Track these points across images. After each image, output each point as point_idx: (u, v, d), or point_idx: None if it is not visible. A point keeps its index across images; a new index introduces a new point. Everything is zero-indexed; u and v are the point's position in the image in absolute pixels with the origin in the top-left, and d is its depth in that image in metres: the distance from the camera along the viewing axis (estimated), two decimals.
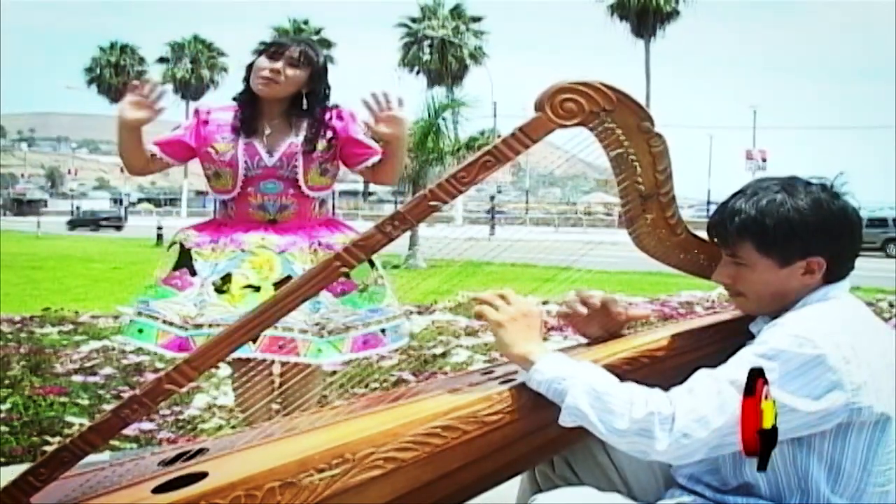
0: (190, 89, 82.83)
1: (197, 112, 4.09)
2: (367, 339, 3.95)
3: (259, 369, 3.63)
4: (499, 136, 2.35)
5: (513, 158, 2.29)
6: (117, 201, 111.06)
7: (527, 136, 2.27)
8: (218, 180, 4.03)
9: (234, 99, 4.09)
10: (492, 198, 51.60)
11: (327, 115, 4.05)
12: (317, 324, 3.83)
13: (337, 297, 3.88)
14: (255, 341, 3.63)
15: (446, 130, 22.93)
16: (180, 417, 5.56)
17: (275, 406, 3.80)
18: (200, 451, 2.43)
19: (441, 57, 64.07)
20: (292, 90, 3.99)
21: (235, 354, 3.28)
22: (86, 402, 5.90)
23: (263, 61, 3.95)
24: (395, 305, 4.09)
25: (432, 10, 65.73)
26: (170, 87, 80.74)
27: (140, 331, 3.92)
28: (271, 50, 3.97)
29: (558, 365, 2.29)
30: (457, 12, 65.92)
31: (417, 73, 65.45)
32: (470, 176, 2.28)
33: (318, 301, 3.80)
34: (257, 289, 3.86)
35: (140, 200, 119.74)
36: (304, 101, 4.02)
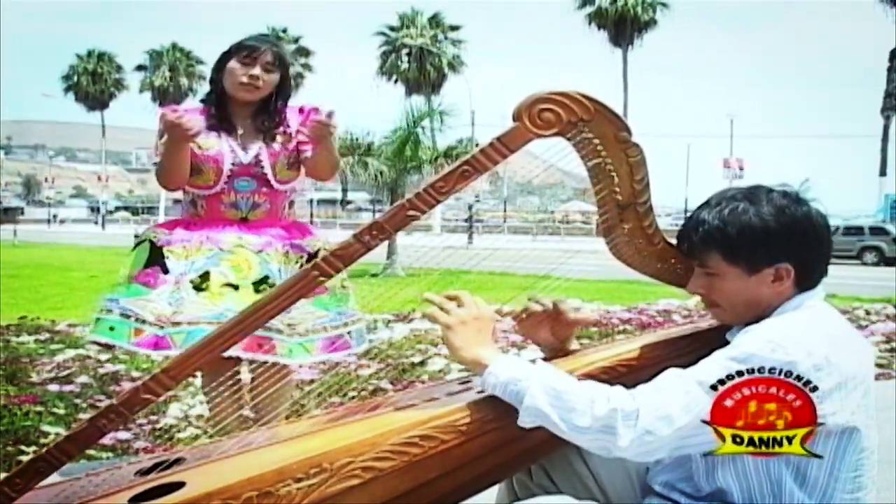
0: (168, 97, 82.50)
1: (174, 110, 4.04)
2: (335, 341, 4.00)
3: (227, 375, 3.64)
4: (477, 145, 2.35)
5: (491, 168, 2.29)
6: (94, 209, 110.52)
7: (505, 146, 2.27)
8: (199, 176, 4.04)
9: (203, 101, 4.15)
10: (470, 206, 51.45)
11: (292, 112, 4.17)
12: (288, 324, 3.84)
13: (308, 299, 3.86)
14: None
15: (424, 139, 22.94)
16: (157, 427, 5.53)
17: (248, 413, 3.80)
18: (177, 461, 2.42)
19: (419, 66, 64.13)
20: (268, 92, 4.08)
21: None
22: (62, 412, 5.87)
23: (238, 66, 4.01)
24: (357, 308, 4.15)
25: (410, 18, 65.80)
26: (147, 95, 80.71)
27: (111, 328, 3.90)
28: (244, 54, 4.02)
29: (512, 366, 2.29)
30: (435, 21, 66.01)
31: (395, 81, 65.48)
32: (448, 185, 2.28)
33: None
34: (236, 287, 3.86)
35: (117, 209, 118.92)
36: (274, 101, 4.11)
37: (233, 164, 4.02)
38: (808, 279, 2.34)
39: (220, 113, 4.08)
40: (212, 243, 3.98)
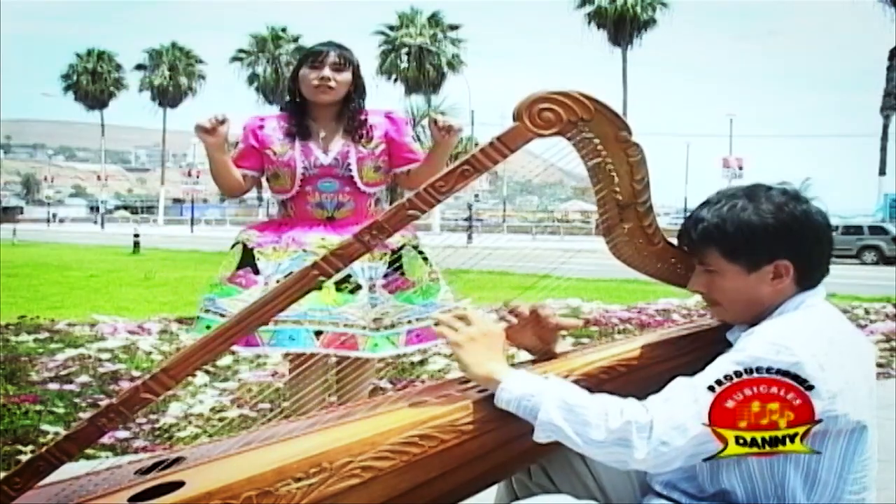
0: (168, 97, 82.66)
1: (251, 119, 4.37)
2: (419, 333, 4.14)
3: (315, 366, 3.90)
4: (476, 144, 2.35)
5: (491, 167, 2.29)
6: (94, 208, 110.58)
7: (504, 145, 2.27)
8: (276, 181, 4.30)
9: (282, 109, 4.38)
10: (469, 206, 51.45)
11: (380, 117, 4.33)
12: (375, 319, 4.03)
13: (392, 294, 4.10)
14: (318, 336, 3.91)
15: (424, 139, 22.93)
16: (157, 426, 5.53)
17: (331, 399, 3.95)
18: (178, 460, 2.42)
19: (419, 65, 64.15)
20: (344, 92, 4.25)
21: (295, 350, 3.87)
22: (61, 411, 5.87)
23: (308, 72, 4.21)
24: (450, 299, 4.24)
25: (410, 18, 65.82)
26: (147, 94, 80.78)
27: (207, 327, 4.05)
28: (311, 60, 4.22)
29: (525, 382, 2.28)
30: (434, 20, 66.03)
31: (395, 81, 65.51)
32: (448, 185, 2.28)
33: (375, 297, 4.05)
34: (319, 287, 3.94)
35: (117, 208, 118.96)
36: (354, 99, 4.28)
37: (314, 166, 4.21)
38: (808, 277, 2.34)
39: (299, 119, 4.26)
40: (297, 245, 4.15)
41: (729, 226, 2.30)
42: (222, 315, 4.05)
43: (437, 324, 2.49)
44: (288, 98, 4.38)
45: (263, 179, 4.41)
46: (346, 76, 4.23)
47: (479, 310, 2.51)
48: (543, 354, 2.70)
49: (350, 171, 4.22)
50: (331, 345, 3.94)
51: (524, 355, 2.78)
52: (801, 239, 2.30)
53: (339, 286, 3.97)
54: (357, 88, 4.30)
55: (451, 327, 2.42)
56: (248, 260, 4.19)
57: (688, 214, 2.46)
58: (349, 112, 4.27)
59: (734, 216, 2.31)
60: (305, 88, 4.23)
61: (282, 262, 4.11)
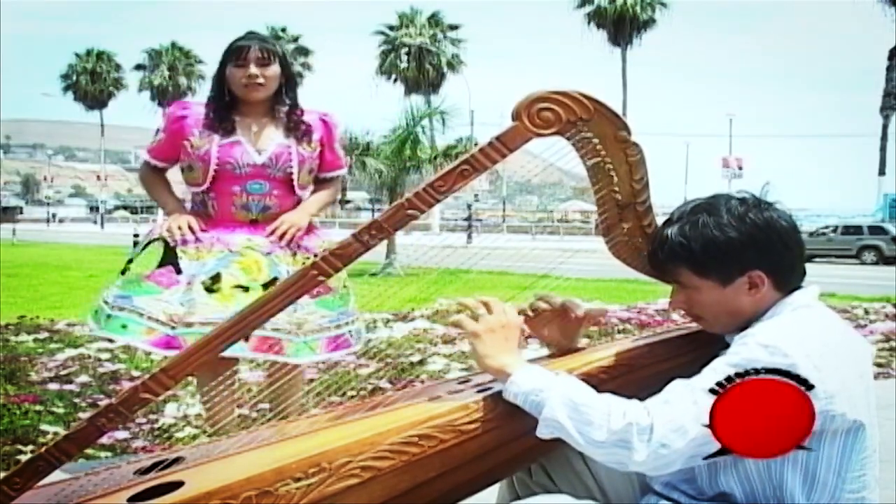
0: (167, 97, 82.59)
1: (174, 107, 4.26)
2: (337, 340, 4.05)
3: (226, 375, 3.67)
4: (476, 144, 2.35)
5: (490, 167, 2.28)
6: (93, 208, 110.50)
7: (504, 145, 2.27)
8: (190, 173, 4.15)
9: (209, 100, 4.20)
10: (469, 206, 51.42)
11: (316, 118, 4.23)
12: (296, 324, 3.91)
13: (313, 298, 3.94)
14: (246, 340, 3.70)
15: (423, 138, 22.94)
16: (156, 426, 5.53)
17: (245, 412, 3.84)
18: (177, 460, 2.42)
19: (418, 65, 64.15)
20: (275, 86, 4.14)
21: (225, 353, 3.48)
22: (61, 411, 5.87)
23: (235, 70, 4.07)
24: (356, 308, 4.20)
25: (410, 18, 65.83)
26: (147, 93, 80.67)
27: (123, 326, 3.94)
28: (235, 58, 4.08)
29: (535, 377, 2.28)
30: (434, 20, 66.04)
31: (395, 81, 65.52)
32: (447, 185, 2.28)
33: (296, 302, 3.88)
34: (246, 289, 3.89)
35: (116, 208, 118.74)
36: (284, 93, 4.18)
37: (245, 165, 4.08)
38: (785, 281, 2.34)
39: (223, 115, 4.13)
40: (222, 245, 4.04)
41: (694, 244, 2.31)
42: (140, 314, 3.92)
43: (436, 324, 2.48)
44: (213, 93, 4.21)
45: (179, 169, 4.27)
46: (274, 69, 4.11)
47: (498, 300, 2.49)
48: (563, 350, 2.70)
49: (288, 171, 4.13)
50: (259, 348, 3.85)
51: (528, 354, 2.78)
52: (768, 247, 2.30)
53: (266, 289, 3.86)
54: (288, 81, 4.20)
55: (473, 314, 2.42)
56: (169, 258, 4.05)
57: (655, 233, 2.45)
58: (284, 108, 4.18)
59: (697, 233, 2.31)
60: (235, 87, 4.10)
61: (207, 262, 4.00)
